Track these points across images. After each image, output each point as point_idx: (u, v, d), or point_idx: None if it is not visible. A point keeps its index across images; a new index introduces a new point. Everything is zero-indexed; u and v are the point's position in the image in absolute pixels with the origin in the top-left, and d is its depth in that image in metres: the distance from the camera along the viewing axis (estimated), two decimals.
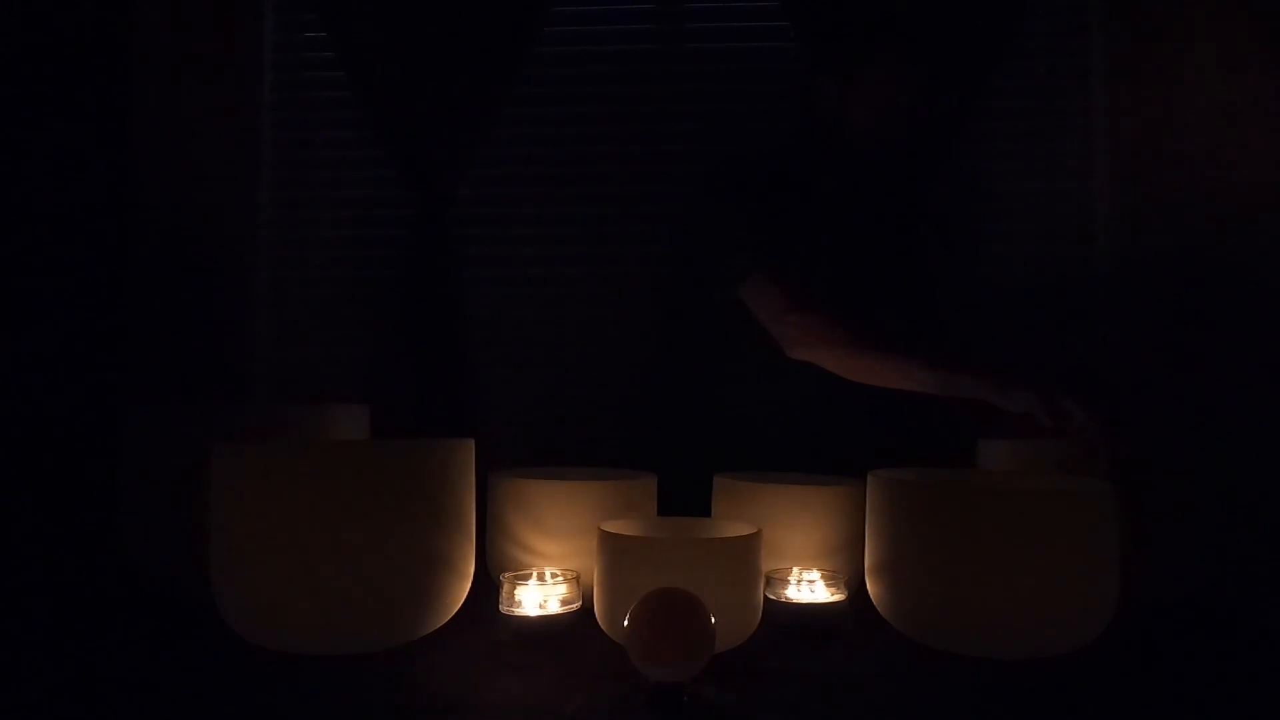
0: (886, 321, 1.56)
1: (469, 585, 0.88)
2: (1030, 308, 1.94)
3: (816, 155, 1.53)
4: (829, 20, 1.77)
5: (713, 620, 0.73)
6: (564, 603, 0.91)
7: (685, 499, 1.09)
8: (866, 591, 0.92)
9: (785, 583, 0.96)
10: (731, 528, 0.91)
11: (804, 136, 1.54)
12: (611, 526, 0.87)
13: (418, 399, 1.94)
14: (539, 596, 0.91)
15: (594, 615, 0.86)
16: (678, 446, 1.50)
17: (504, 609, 0.91)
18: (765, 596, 0.90)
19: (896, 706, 0.77)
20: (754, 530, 0.87)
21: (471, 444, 0.90)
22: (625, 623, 0.73)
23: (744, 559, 0.84)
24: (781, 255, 1.42)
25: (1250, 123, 1.87)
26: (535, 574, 0.95)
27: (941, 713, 0.75)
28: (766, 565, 0.92)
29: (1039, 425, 1.15)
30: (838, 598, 0.94)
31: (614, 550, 0.84)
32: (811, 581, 0.97)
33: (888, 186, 1.70)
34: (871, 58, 1.47)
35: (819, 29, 1.80)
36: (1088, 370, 1.11)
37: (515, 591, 0.91)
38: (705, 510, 1.11)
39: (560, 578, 0.94)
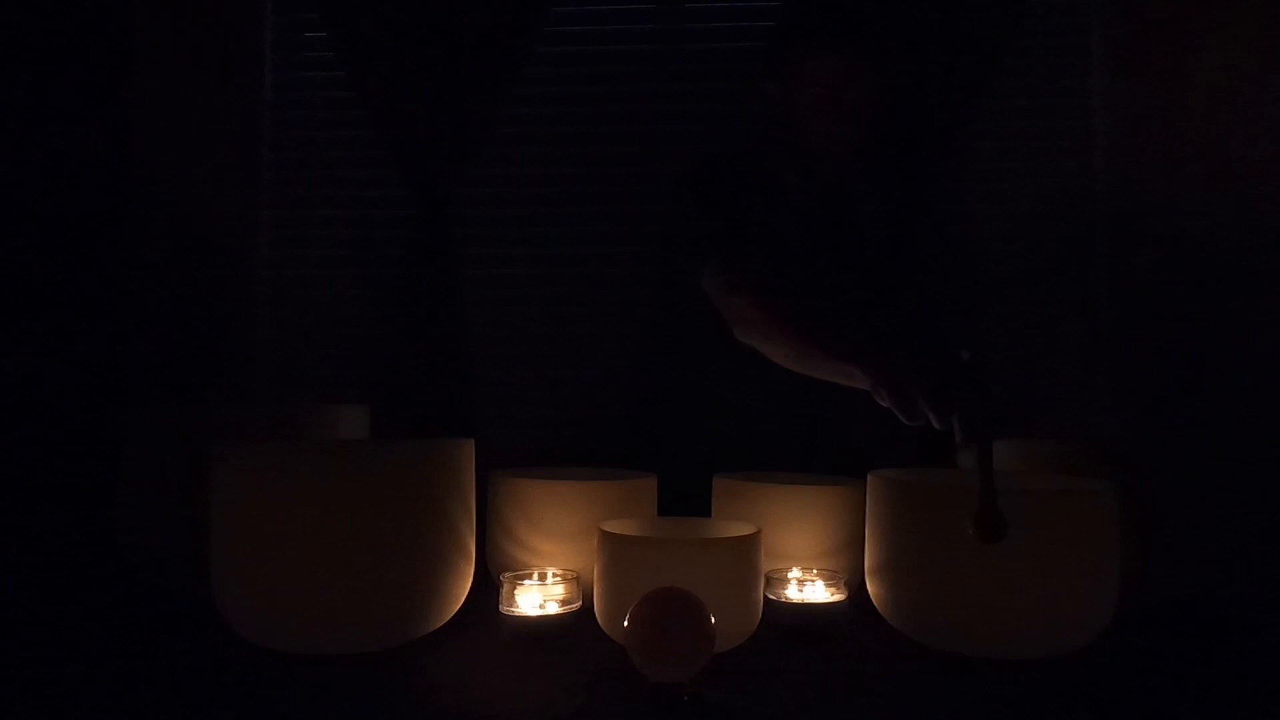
0: (860, 322, 1.49)
1: (469, 585, 0.89)
2: (1029, 308, 1.94)
3: (777, 157, 1.53)
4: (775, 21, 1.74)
5: (713, 620, 0.73)
6: (564, 603, 0.91)
7: (685, 499, 1.09)
8: (866, 591, 0.92)
9: (785, 583, 0.96)
10: (731, 528, 0.91)
11: (767, 139, 1.54)
12: (611, 526, 0.87)
13: (418, 399, 1.94)
14: (539, 597, 0.91)
15: (594, 615, 0.86)
16: (678, 446, 1.50)
17: (504, 609, 0.91)
18: (765, 596, 0.90)
19: (896, 706, 0.77)
20: (754, 530, 0.87)
21: (471, 444, 0.90)
22: (625, 623, 0.73)
23: (744, 559, 0.84)
24: (740, 249, 1.42)
25: (1251, 122, 1.88)
26: (535, 574, 0.95)
27: (941, 713, 0.75)
28: (766, 565, 0.92)
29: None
30: (838, 598, 0.94)
31: (614, 550, 0.84)
32: (811, 581, 0.97)
33: (855, 187, 1.66)
34: (803, 58, 1.44)
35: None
36: (943, 357, 1.03)
37: (515, 592, 0.91)
38: (705, 510, 1.11)
39: (560, 578, 0.94)
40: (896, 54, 1.74)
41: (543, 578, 0.95)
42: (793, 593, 0.95)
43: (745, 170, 1.53)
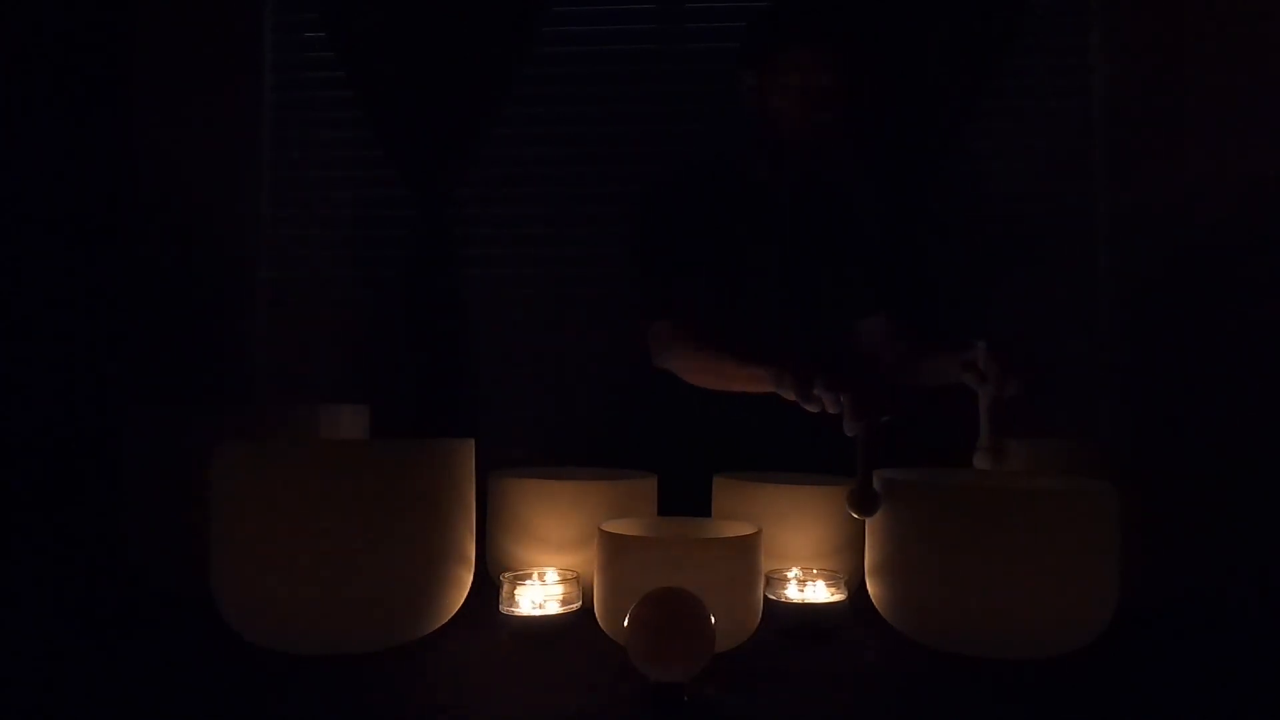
0: (768, 326, 1.51)
1: (469, 585, 0.89)
2: (1030, 310, 1.94)
3: (752, 149, 1.53)
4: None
5: (713, 620, 0.73)
6: (564, 603, 0.91)
7: (685, 499, 1.09)
8: (866, 591, 0.92)
9: (785, 583, 0.96)
10: (731, 528, 0.91)
11: (750, 142, 1.55)
12: (611, 526, 0.87)
13: (418, 399, 1.94)
14: (539, 596, 0.91)
15: (594, 615, 0.86)
16: (678, 446, 1.50)
17: (504, 609, 0.91)
18: (765, 596, 0.90)
19: (896, 706, 0.77)
20: (754, 530, 0.87)
21: (471, 444, 0.90)
22: (625, 623, 0.73)
23: (744, 559, 0.84)
24: (669, 284, 1.45)
25: (1251, 122, 1.87)
26: (535, 574, 0.95)
27: (941, 713, 0.75)
28: (766, 565, 0.92)
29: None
30: (838, 598, 0.94)
31: (614, 550, 0.84)
32: (812, 581, 0.97)
33: (833, 180, 1.66)
34: (776, 46, 1.45)
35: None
36: (836, 350, 1.07)
37: (515, 591, 0.91)
38: (705, 510, 1.11)
39: (560, 578, 0.94)
40: (870, 43, 1.74)
41: (543, 578, 0.95)
42: (793, 593, 0.95)
43: (711, 175, 1.54)
